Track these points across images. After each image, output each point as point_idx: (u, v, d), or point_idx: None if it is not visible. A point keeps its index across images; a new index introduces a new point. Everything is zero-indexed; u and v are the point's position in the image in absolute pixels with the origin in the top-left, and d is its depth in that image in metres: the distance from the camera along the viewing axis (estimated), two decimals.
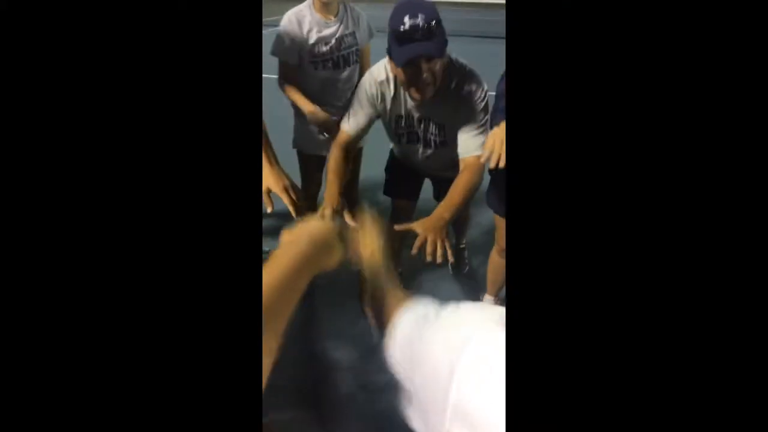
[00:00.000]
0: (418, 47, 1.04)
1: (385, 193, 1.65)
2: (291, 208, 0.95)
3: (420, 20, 1.03)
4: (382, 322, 0.50)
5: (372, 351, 1.52)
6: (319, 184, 1.78)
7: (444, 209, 1.11)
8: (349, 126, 1.30)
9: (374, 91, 1.24)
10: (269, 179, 0.97)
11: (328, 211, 1.04)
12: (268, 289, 0.39)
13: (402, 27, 1.04)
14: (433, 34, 1.05)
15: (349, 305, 1.72)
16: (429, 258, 0.98)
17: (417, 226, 1.02)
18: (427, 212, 1.13)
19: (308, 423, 1.33)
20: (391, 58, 1.13)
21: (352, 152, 1.37)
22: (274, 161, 1.02)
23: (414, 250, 0.99)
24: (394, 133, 1.36)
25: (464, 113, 1.20)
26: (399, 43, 1.06)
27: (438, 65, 1.09)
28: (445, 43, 1.09)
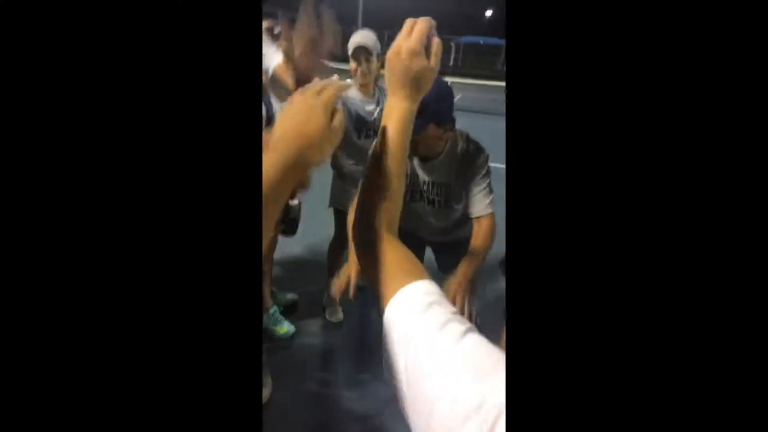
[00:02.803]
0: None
1: None
2: None
3: None
4: (378, 286, 0.45)
5: (387, 403, 1.55)
6: None
7: (467, 267, 1.21)
8: None
9: None
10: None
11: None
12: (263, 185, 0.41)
13: None
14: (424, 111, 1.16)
15: (368, 356, 1.77)
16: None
17: (446, 286, 1.13)
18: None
19: None
20: None
21: None
22: None
23: None
24: None
25: (469, 175, 1.35)
26: None
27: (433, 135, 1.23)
28: (435, 116, 1.20)
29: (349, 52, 1.69)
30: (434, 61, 0.54)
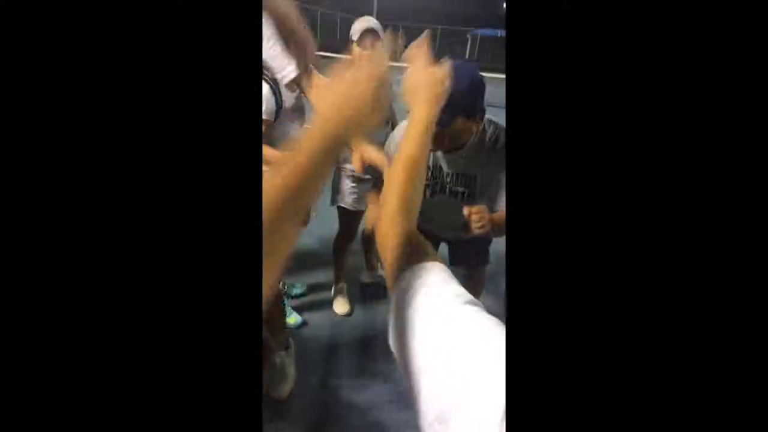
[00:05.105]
0: None
1: None
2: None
3: None
4: (390, 263, 0.47)
5: (389, 397, 1.55)
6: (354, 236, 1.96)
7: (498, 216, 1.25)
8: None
9: None
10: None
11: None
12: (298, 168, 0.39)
13: None
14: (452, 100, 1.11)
15: (371, 346, 1.77)
16: (476, 227, 1.18)
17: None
18: None
19: None
20: None
21: None
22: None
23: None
24: None
25: (502, 164, 1.25)
26: None
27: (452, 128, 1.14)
28: (464, 108, 1.11)
29: (354, 38, 1.55)
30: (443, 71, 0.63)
